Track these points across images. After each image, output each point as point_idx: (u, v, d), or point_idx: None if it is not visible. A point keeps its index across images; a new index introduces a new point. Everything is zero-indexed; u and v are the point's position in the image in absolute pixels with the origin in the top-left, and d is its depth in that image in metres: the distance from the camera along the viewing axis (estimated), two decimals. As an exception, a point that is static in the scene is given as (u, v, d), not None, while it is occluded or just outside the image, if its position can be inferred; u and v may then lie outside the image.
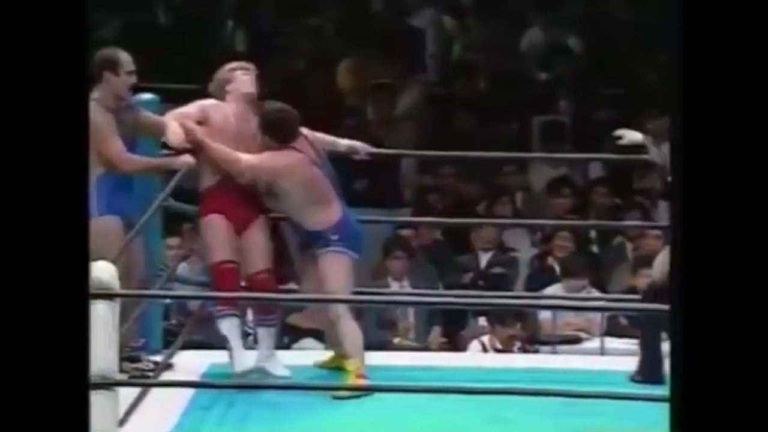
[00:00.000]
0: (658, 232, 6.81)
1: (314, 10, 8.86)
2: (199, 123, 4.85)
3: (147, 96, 5.00)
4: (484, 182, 7.67)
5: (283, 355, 5.05)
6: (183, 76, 8.05)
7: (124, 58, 4.73)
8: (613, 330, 6.25)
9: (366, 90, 8.23)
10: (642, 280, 6.23)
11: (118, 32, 8.59)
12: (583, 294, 6.25)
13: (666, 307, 2.72)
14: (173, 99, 7.18)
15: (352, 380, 4.68)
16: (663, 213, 7.31)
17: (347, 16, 8.78)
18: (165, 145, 4.89)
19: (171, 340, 5.16)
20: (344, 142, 5.17)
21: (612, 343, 6.04)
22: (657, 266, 4.84)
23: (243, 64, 5.04)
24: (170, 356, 5.00)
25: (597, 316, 6.14)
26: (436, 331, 6.59)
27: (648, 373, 4.70)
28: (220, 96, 4.92)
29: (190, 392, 4.71)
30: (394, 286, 6.56)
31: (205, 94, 8.92)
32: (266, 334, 4.86)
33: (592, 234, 7.10)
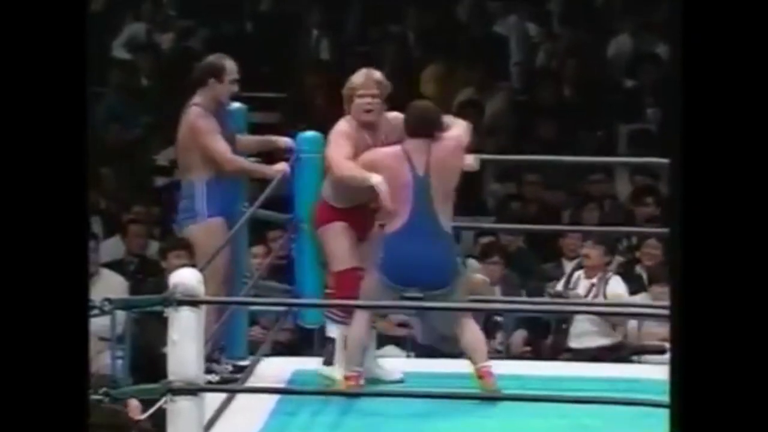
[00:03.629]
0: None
1: (398, 17, 8.88)
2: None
3: (236, 105, 5.06)
4: (568, 190, 7.63)
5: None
6: (269, 84, 8.13)
7: (230, 65, 4.84)
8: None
9: (450, 98, 8.22)
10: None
11: (205, 41, 8.69)
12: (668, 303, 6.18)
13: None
14: (259, 107, 7.27)
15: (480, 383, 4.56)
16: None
17: (431, 24, 8.78)
18: (253, 154, 4.96)
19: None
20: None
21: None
22: None
23: (361, 79, 4.76)
24: (256, 362, 5.03)
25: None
26: (519, 338, 6.56)
27: None
28: (348, 108, 4.78)
29: (275, 398, 4.74)
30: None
31: (288, 102, 8.97)
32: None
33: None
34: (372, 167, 4.61)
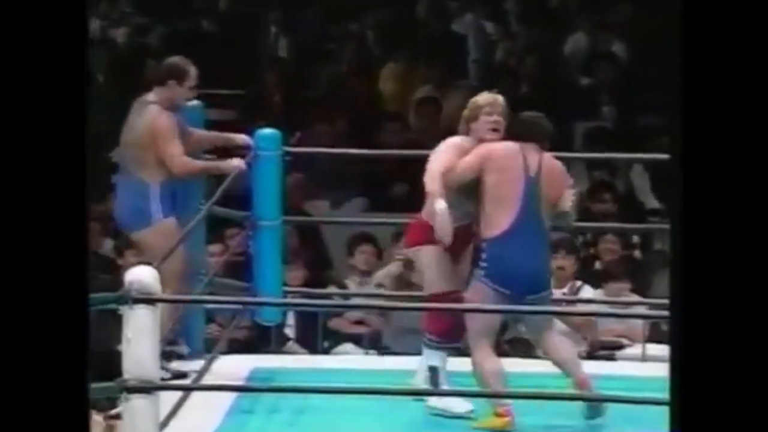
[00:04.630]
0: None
1: (357, 16, 8.87)
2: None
3: (192, 102, 5.03)
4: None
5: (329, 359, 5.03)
6: (227, 82, 8.10)
7: (193, 72, 4.81)
8: (655, 336, 6.19)
9: (408, 95, 8.23)
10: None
11: (163, 39, 8.64)
12: (623, 298, 6.20)
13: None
14: (217, 105, 7.24)
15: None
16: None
17: (390, 22, 8.78)
18: (209, 151, 4.92)
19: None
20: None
21: (654, 350, 5.98)
22: None
23: (489, 99, 4.65)
24: (212, 360, 5.01)
25: (639, 322, 6.09)
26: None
27: None
28: (467, 128, 4.64)
29: (231, 396, 4.72)
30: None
31: (246, 99, 8.96)
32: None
33: (635, 239, 7.05)
34: (487, 159, 4.52)
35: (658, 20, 8.70)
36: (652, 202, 7.57)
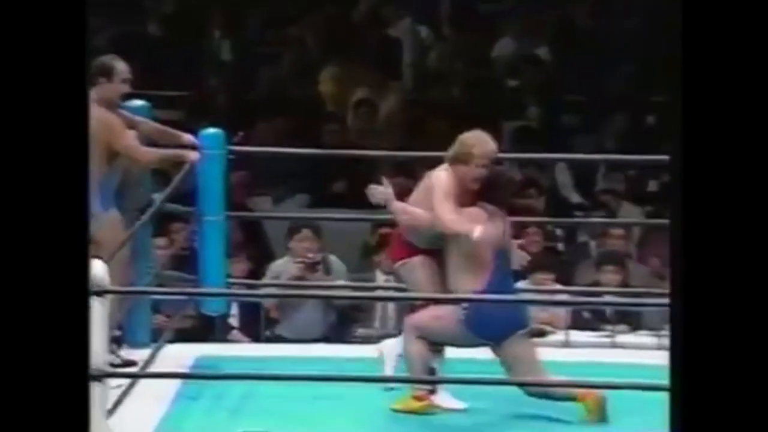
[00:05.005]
0: (621, 230, 6.85)
1: (297, 20, 8.88)
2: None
3: (138, 102, 5.02)
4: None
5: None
6: (172, 83, 8.07)
7: (120, 66, 4.76)
8: (577, 324, 6.28)
9: (346, 97, 8.25)
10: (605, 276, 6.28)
11: (109, 41, 8.58)
12: (547, 287, 6.27)
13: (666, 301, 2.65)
14: (163, 105, 7.21)
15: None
16: (626, 212, 7.36)
17: (329, 27, 8.79)
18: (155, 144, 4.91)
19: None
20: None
21: (576, 336, 6.07)
22: None
23: (484, 150, 4.53)
24: (158, 349, 5.01)
25: (562, 311, 6.17)
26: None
27: None
28: (453, 163, 4.56)
29: (177, 383, 4.71)
30: (380, 279, 6.58)
31: (191, 100, 8.91)
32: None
33: (558, 232, 7.13)
34: (476, 220, 4.48)
35: (578, 24, 8.80)
36: (576, 198, 7.66)
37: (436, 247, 4.58)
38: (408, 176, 7.77)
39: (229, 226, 5.40)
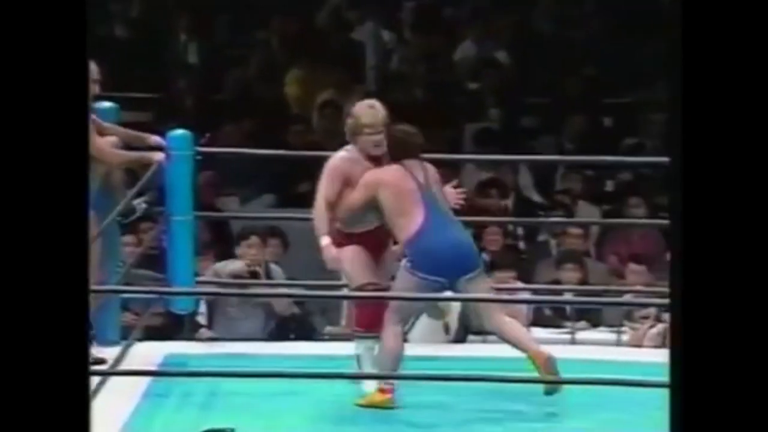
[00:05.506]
0: (579, 230, 6.88)
1: (264, 24, 8.85)
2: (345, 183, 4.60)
3: (107, 104, 4.98)
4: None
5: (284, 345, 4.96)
6: (141, 85, 8.01)
7: (90, 67, 4.70)
8: (538, 321, 6.29)
9: (312, 99, 8.23)
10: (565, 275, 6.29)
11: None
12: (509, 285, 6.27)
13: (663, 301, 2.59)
14: (131, 107, 7.15)
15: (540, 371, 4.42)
16: (583, 212, 7.38)
17: (294, 30, 8.77)
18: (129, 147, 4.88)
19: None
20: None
21: (538, 333, 6.07)
22: None
23: (370, 118, 4.60)
24: (128, 347, 4.96)
25: (523, 308, 6.17)
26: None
27: None
28: (352, 139, 4.65)
29: (146, 381, 4.68)
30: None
31: (159, 102, 8.86)
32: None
33: (519, 231, 7.14)
34: (375, 183, 4.54)
35: (536, 29, 8.83)
36: (536, 197, 7.68)
37: (372, 227, 4.59)
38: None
39: (197, 226, 5.37)
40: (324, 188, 4.64)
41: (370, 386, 4.55)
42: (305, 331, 6.25)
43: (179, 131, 5.12)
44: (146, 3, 8.99)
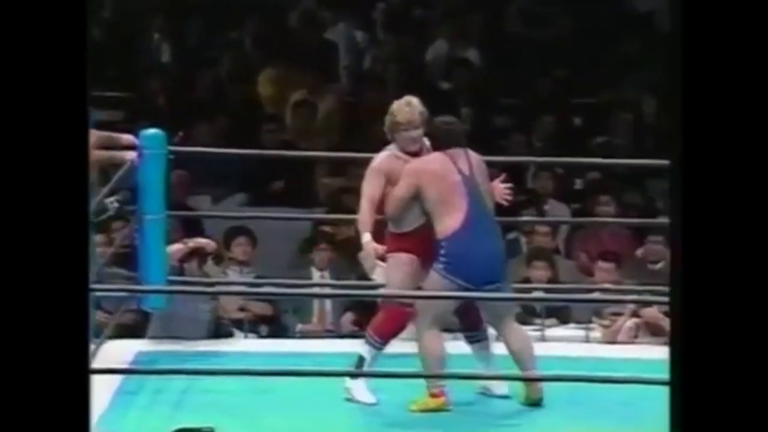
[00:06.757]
0: (547, 228, 6.89)
1: (237, 24, 8.82)
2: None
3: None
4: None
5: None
6: (114, 85, 7.98)
7: None
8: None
9: (284, 98, 8.22)
10: (534, 272, 6.29)
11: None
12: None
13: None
14: (104, 106, 7.11)
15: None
16: (553, 210, 7.39)
17: (267, 31, 8.75)
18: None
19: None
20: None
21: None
22: None
23: (407, 116, 4.63)
24: (100, 344, 4.93)
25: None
26: (348, 317, 6.59)
27: None
28: (391, 137, 4.67)
29: (118, 379, 4.65)
30: (316, 276, 6.56)
31: (132, 101, 8.81)
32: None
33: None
34: (419, 173, 4.50)
35: (507, 29, 8.84)
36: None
37: (418, 224, 4.54)
38: (344, 176, 7.76)
39: (169, 225, 5.35)
40: (367, 187, 4.62)
41: (420, 391, 4.48)
42: (278, 330, 6.24)
43: (152, 130, 5.10)
44: (119, 3, 8.95)
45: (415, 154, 4.62)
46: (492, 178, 4.71)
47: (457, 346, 4.83)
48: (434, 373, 4.45)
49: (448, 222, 4.45)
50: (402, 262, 4.54)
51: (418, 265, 4.55)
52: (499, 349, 4.65)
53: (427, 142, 4.69)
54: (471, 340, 4.68)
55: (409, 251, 4.54)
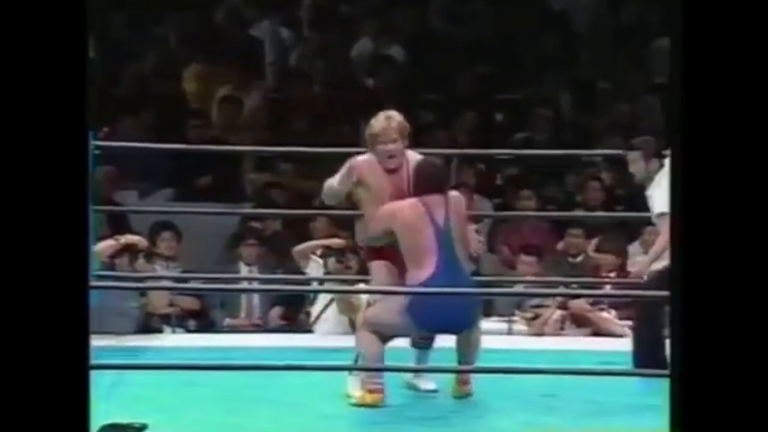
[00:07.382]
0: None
1: (161, 20, 8.78)
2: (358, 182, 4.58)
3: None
4: (319, 179, 7.71)
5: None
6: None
7: None
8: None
9: (210, 94, 8.20)
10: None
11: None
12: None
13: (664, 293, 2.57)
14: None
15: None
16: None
17: (192, 27, 8.72)
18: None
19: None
20: None
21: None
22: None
23: (382, 127, 4.55)
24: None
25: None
26: (276, 312, 6.63)
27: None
28: (371, 150, 4.61)
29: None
30: (244, 271, 6.57)
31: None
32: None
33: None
34: (391, 220, 4.46)
35: (431, 27, 8.92)
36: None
37: (393, 240, 4.54)
38: (271, 171, 7.77)
39: (95, 220, 5.32)
40: (338, 175, 4.63)
41: (355, 389, 4.53)
42: (206, 324, 6.24)
43: (78, 127, 5.06)
44: (43, -3, 8.84)
45: (393, 172, 4.58)
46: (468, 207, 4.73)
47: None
48: (367, 367, 4.49)
49: (416, 273, 4.43)
50: (382, 265, 4.59)
51: (396, 270, 4.59)
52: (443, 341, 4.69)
53: (411, 156, 4.62)
54: (415, 347, 4.71)
55: (387, 259, 4.58)
